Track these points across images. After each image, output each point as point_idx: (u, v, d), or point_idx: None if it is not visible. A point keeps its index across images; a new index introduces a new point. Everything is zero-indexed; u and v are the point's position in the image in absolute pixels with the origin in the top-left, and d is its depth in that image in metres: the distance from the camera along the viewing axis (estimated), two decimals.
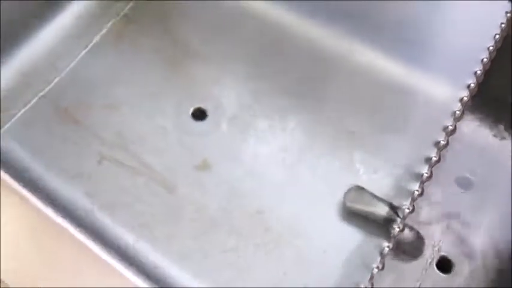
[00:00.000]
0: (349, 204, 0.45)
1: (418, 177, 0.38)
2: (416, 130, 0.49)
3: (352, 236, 0.44)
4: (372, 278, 0.35)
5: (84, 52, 0.55)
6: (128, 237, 0.45)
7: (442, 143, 0.36)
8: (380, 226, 0.43)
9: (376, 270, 0.34)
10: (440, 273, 0.44)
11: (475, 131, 0.50)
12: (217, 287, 0.43)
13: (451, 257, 0.45)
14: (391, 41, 0.52)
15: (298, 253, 0.44)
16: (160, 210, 0.46)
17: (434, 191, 0.46)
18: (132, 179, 0.48)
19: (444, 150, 0.37)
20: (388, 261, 0.40)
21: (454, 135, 0.41)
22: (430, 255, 0.45)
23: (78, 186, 0.47)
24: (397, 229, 0.35)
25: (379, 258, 0.35)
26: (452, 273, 0.44)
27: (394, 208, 0.43)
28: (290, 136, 0.50)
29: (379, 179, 0.47)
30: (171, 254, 0.44)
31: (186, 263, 0.44)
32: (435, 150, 0.36)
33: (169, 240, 0.45)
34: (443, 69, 0.50)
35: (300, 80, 0.52)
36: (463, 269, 0.44)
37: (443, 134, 0.36)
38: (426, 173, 0.36)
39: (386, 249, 0.35)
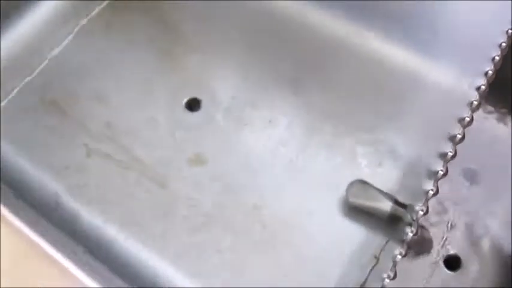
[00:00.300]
0: (351, 199, 0.44)
1: (429, 172, 0.36)
2: (424, 121, 0.47)
3: (354, 233, 0.43)
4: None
5: (70, 38, 0.53)
6: (117, 235, 0.44)
7: (458, 136, 0.34)
8: (384, 222, 0.42)
9: (387, 280, 0.32)
10: (448, 271, 0.43)
11: (482, 121, 0.49)
12: (212, 287, 0.42)
13: (459, 254, 0.44)
14: (397, 25, 0.51)
15: (297, 251, 0.43)
16: (152, 206, 0.45)
17: (440, 185, 0.45)
18: (122, 173, 0.46)
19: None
20: None
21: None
22: (437, 252, 0.44)
23: (64, 181, 0.46)
24: (411, 234, 0.33)
25: (390, 266, 0.33)
26: (460, 270, 0.43)
27: (399, 203, 0.42)
28: (289, 128, 0.48)
29: (384, 173, 0.45)
30: (163, 252, 0.43)
31: (179, 262, 0.43)
32: (450, 144, 0.34)
33: (161, 238, 0.44)
34: (453, 56, 0.49)
35: (300, 71, 0.51)
36: (471, 267, 0.43)
37: (459, 126, 0.34)
38: (441, 170, 0.34)
39: (399, 256, 0.33)
